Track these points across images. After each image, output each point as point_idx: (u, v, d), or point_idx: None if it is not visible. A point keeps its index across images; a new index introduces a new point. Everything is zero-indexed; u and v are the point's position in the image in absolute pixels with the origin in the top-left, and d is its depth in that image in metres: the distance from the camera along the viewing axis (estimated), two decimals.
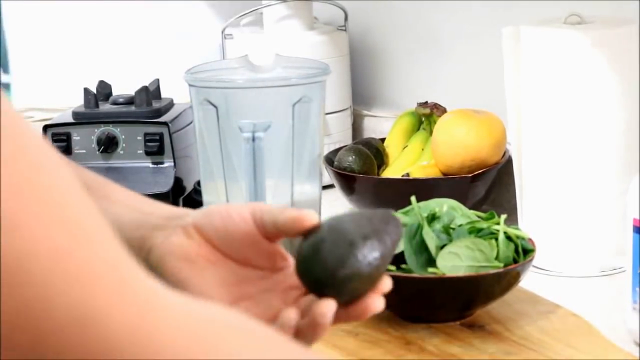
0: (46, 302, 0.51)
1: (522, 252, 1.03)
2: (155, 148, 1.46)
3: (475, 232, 1.03)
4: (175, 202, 1.46)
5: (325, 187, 1.52)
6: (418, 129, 1.59)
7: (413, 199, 1.05)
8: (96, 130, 1.48)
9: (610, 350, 0.95)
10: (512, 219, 1.21)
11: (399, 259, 1.00)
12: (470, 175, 1.39)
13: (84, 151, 1.49)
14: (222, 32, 1.79)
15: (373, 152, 1.52)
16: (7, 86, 1.98)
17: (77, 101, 1.57)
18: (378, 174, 1.52)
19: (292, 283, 0.81)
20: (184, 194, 1.49)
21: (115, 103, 1.55)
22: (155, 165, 1.48)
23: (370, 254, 0.75)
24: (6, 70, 1.98)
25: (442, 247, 1.00)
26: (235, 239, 0.81)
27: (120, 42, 2.07)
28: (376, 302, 0.77)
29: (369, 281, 0.76)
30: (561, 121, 1.22)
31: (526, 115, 1.26)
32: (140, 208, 0.85)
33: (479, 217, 1.07)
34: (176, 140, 1.47)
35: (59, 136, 1.48)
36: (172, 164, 1.47)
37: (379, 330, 1.01)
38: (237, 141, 1.17)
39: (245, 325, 0.63)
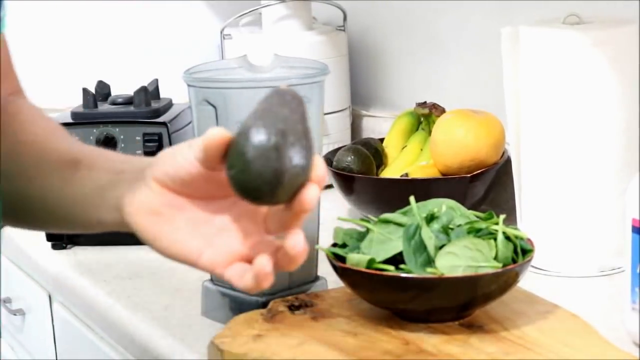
0: None
1: (521, 252, 1.03)
2: (154, 148, 1.46)
3: (474, 232, 1.03)
4: None
5: (324, 188, 1.52)
6: (417, 129, 1.59)
7: (412, 199, 1.05)
8: (95, 130, 1.48)
9: (609, 350, 0.95)
10: (511, 219, 1.21)
11: (397, 260, 1.00)
12: (469, 175, 1.39)
13: None
14: (221, 32, 1.79)
15: (372, 152, 1.52)
16: None
17: (76, 101, 1.57)
18: (377, 174, 1.52)
19: None
20: None
21: (114, 103, 1.55)
22: None
23: (294, 154, 0.77)
24: None
25: (440, 247, 1.00)
26: (189, 180, 0.82)
27: (119, 42, 2.07)
28: (311, 192, 0.79)
29: (303, 173, 0.78)
30: (560, 121, 1.22)
31: (525, 115, 1.26)
32: (115, 169, 0.89)
33: (477, 217, 1.07)
34: (175, 140, 1.47)
35: None
36: None
37: (377, 330, 1.01)
38: None
39: None
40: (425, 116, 1.56)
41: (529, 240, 1.05)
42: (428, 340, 0.98)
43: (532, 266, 1.21)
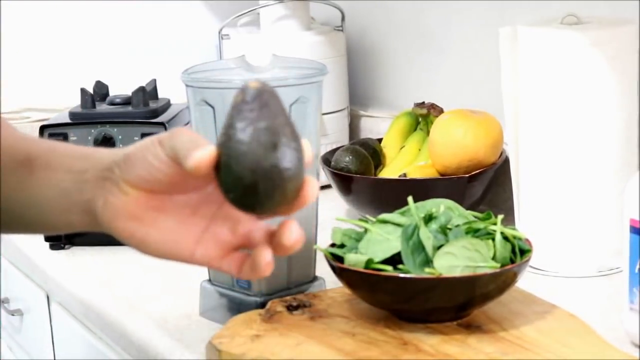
0: None
1: (519, 252, 1.03)
2: None
3: (472, 232, 1.03)
4: None
5: (322, 188, 1.53)
6: (415, 130, 1.59)
7: (410, 199, 1.05)
8: (93, 130, 1.48)
9: (607, 350, 0.95)
10: (509, 219, 1.21)
11: (396, 260, 1.00)
12: (467, 175, 1.39)
13: None
14: (219, 33, 1.79)
15: (370, 153, 1.52)
16: None
17: (74, 101, 1.57)
18: (375, 175, 1.52)
19: None
20: None
21: (112, 103, 1.55)
22: None
23: (289, 162, 0.76)
24: None
25: (439, 247, 1.00)
26: (164, 179, 0.79)
27: (117, 43, 2.07)
28: (310, 189, 0.78)
29: (300, 175, 0.77)
30: (558, 121, 1.22)
31: (523, 115, 1.26)
32: (74, 167, 0.84)
33: (475, 217, 1.07)
34: None
35: (56, 136, 1.48)
36: None
37: (376, 330, 1.01)
38: None
39: None
40: (424, 116, 1.56)
41: (527, 240, 1.05)
42: (426, 341, 0.98)
43: (531, 266, 1.21)
